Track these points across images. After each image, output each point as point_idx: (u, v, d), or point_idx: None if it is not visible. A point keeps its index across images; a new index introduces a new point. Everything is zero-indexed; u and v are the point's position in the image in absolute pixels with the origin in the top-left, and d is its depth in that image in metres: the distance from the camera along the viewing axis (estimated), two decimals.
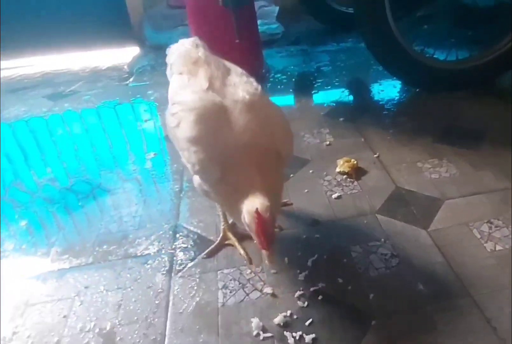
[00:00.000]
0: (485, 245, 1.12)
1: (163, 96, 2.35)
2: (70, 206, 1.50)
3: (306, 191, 1.42)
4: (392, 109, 1.94)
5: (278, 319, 0.98)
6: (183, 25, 3.22)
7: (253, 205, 0.84)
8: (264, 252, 0.86)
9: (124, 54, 3.27)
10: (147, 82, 2.62)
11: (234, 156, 0.91)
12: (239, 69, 1.09)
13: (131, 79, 2.71)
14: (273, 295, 1.05)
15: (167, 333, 0.99)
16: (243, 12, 2.13)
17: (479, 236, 1.15)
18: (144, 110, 2.23)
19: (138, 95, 2.42)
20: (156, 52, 3.17)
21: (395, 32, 1.85)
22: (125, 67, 2.99)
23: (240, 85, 0.99)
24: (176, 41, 3.45)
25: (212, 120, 0.93)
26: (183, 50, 1.17)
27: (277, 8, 3.22)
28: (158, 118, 2.10)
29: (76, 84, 2.71)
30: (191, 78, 1.04)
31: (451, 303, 0.98)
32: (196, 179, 1.05)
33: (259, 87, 1.01)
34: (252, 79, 1.04)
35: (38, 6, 3.25)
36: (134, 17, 3.48)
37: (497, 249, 1.11)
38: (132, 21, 3.49)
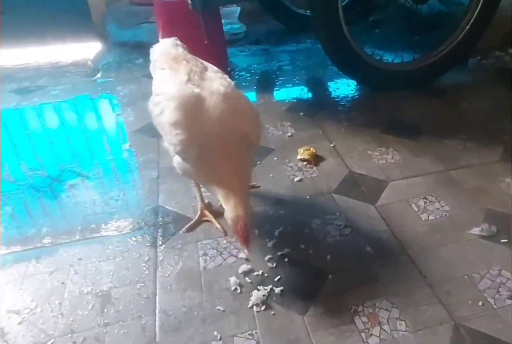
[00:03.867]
0: (420, 216, 1.36)
1: (132, 92, 2.48)
2: (56, 192, 1.62)
3: (271, 175, 1.62)
4: (346, 105, 2.16)
5: (252, 277, 1.17)
6: (148, 22, 3.32)
7: (236, 214, 1.03)
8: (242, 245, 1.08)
9: (85, 50, 3.28)
10: (115, 79, 2.71)
11: (211, 141, 1.07)
12: (214, 67, 1.26)
13: (98, 75, 2.79)
14: (247, 259, 1.24)
15: (157, 292, 1.16)
16: (211, 15, 2.29)
17: (416, 209, 1.39)
18: (115, 106, 2.35)
19: (108, 91, 2.53)
20: (120, 48, 3.24)
21: (348, 35, 2.04)
22: (89, 63, 3.04)
23: (216, 80, 1.15)
24: (141, 39, 3.51)
25: (191, 107, 1.08)
26: (164, 48, 1.32)
27: (239, 8, 3.38)
28: (130, 113, 2.23)
29: (41, 80, 2.75)
30: (172, 73, 1.19)
31: (392, 260, 1.21)
32: (176, 159, 1.19)
33: (232, 82, 1.18)
34: (225, 76, 1.21)
35: None
36: (95, 13, 3.47)
37: (430, 218, 1.35)
38: (93, 17, 3.50)
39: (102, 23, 3.34)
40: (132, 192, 1.59)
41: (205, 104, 1.09)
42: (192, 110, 1.08)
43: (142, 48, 3.17)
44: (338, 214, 1.40)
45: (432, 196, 1.44)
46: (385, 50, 2.36)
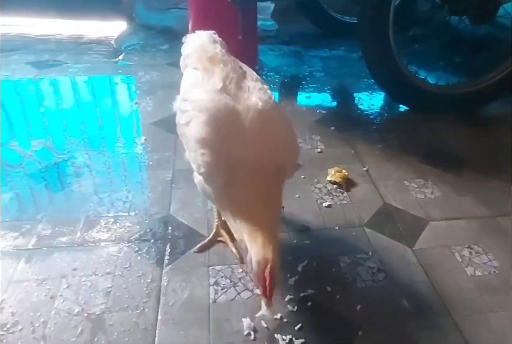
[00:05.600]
0: (465, 269, 1.19)
1: (153, 80, 2.33)
2: (58, 183, 1.46)
3: (297, 196, 1.46)
4: (381, 124, 2.00)
5: (268, 321, 1.01)
6: (177, 8, 3.18)
7: (264, 257, 0.84)
8: (264, 298, 0.88)
9: (109, 29, 3.16)
10: (137, 63, 2.57)
11: (240, 167, 0.90)
12: (254, 74, 1.08)
13: (120, 57, 2.64)
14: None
15: (158, 324, 1.00)
16: (249, 9, 2.13)
17: (460, 260, 1.22)
18: (135, 92, 2.19)
19: (128, 75, 2.38)
20: (146, 32, 3.10)
21: (394, 49, 1.90)
22: (112, 42, 2.90)
23: (255, 91, 0.98)
24: (169, 23, 3.36)
25: (223, 123, 0.92)
26: (200, 43, 1.14)
27: (273, 5, 3.22)
28: (148, 102, 2.06)
29: (61, 55, 2.62)
30: (205, 76, 1.02)
31: (432, 322, 1.04)
32: (198, 177, 1.03)
33: (273, 96, 0.99)
34: (266, 87, 1.02)
35: None
36: None
37: (476, 274, 1.18)
38: None
39: (131, 3, 3.20)
40: (142, 194, 1.44)
41: (238, 122, 0.91)
42: (223, 127, 0.91)
43: (168, 34, 3.02)
44: (370, 253, 1.23)
45: (478, 246, 1.27)
46: (428, 70, 2.19)
